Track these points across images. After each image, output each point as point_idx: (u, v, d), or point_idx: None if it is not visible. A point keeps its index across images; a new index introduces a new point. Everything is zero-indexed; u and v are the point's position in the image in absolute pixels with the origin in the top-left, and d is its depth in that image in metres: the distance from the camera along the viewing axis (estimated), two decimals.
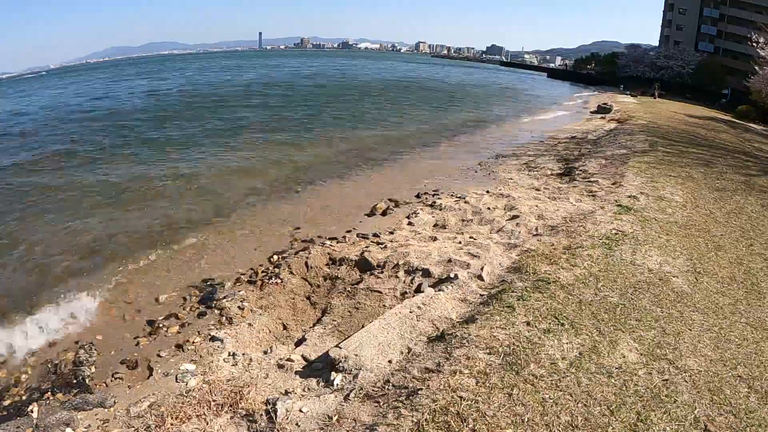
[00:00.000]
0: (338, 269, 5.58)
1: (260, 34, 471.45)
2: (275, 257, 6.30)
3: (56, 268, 6.07)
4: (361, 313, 4.56)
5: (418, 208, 7.83)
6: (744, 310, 3.96)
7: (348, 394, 3.01)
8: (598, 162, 10.16)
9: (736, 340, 3.50)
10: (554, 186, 8.69)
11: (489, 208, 7.37)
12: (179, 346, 4.44)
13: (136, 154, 12.30)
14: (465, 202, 7.88)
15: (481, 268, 4.73)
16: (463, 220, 7.02)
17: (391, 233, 6.74)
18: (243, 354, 4.17)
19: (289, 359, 3.86)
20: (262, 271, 5.91)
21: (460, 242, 5.84)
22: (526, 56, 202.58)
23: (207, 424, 3.01)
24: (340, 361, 3.35)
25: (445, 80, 45.57)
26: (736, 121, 23.42)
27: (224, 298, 5.28)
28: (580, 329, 3.38)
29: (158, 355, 4.33)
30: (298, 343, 4.30)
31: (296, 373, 3.64)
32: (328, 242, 6.61)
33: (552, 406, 2.62)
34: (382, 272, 5.20)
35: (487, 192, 8.52)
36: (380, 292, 4.78)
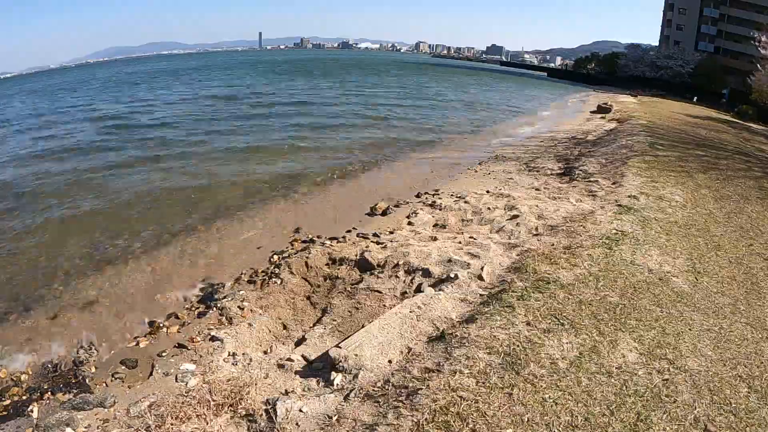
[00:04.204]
0: (338, 269, 5.58)
1: (260, 34, 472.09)
2: (275, 257, 6.30)
3: (57, 268, 6.06)
4: (361, 312, 4.56)
5: (418, 208, 7.83)
6: (744, 310, 3.96)
7: (348, 394, 3.01)
8: (598, 162, 10.15)
9: (736, 340, 3.50)
10: (554, 186, 8.69)
11: (489, 208, 7.36)
12: (179, 346, 4.44)
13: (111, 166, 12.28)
14: (465, 202, 7.88)
15: (481, 268, 4.73)
16: (463, 220, 7.02)
17: (391, 233, 6.73)
18: (243, 354, 4.16)
19: (289, 359, 3.86)
20: (262, 271, 5.91)
21: (460, 242, 5.83)
22: (526, 56, 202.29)
23: (207, 424, 3.00)
24: (340, 361, 3.35)
25: None
26: (736, 121, 23.40)
27: (224, 298, 5.27)
28: (580, 329, 3.38)
29: (158, 355, 4.33)
30: (298, 343, 4.30)
31: (296, 373, 3.64)
32: (328, 242, 6.61)
33: (552, 406, 2.62)
34: (382, 272, 5.20)
35: (487, 192, 8.52)
36: (380, 292, 4.78)
